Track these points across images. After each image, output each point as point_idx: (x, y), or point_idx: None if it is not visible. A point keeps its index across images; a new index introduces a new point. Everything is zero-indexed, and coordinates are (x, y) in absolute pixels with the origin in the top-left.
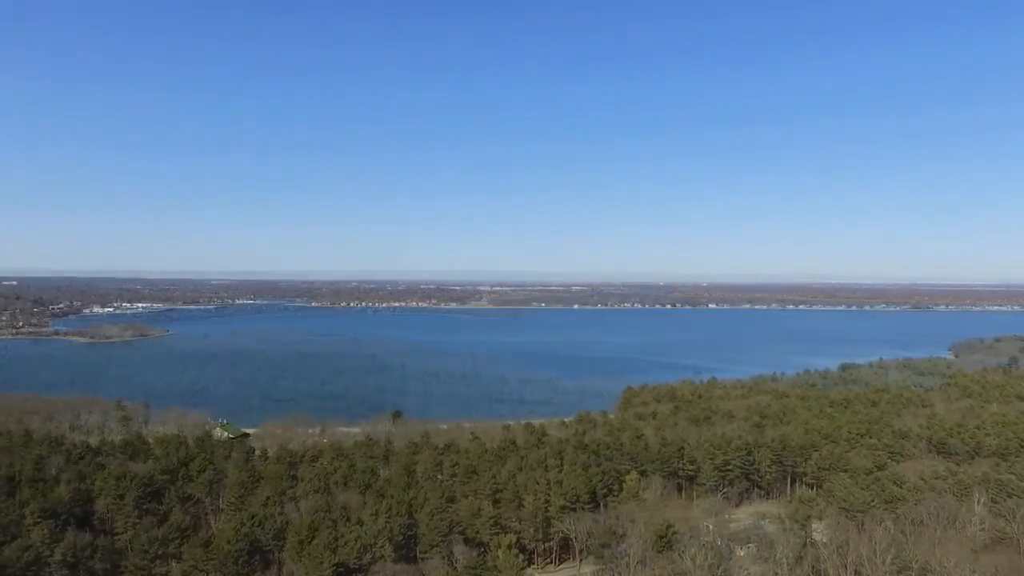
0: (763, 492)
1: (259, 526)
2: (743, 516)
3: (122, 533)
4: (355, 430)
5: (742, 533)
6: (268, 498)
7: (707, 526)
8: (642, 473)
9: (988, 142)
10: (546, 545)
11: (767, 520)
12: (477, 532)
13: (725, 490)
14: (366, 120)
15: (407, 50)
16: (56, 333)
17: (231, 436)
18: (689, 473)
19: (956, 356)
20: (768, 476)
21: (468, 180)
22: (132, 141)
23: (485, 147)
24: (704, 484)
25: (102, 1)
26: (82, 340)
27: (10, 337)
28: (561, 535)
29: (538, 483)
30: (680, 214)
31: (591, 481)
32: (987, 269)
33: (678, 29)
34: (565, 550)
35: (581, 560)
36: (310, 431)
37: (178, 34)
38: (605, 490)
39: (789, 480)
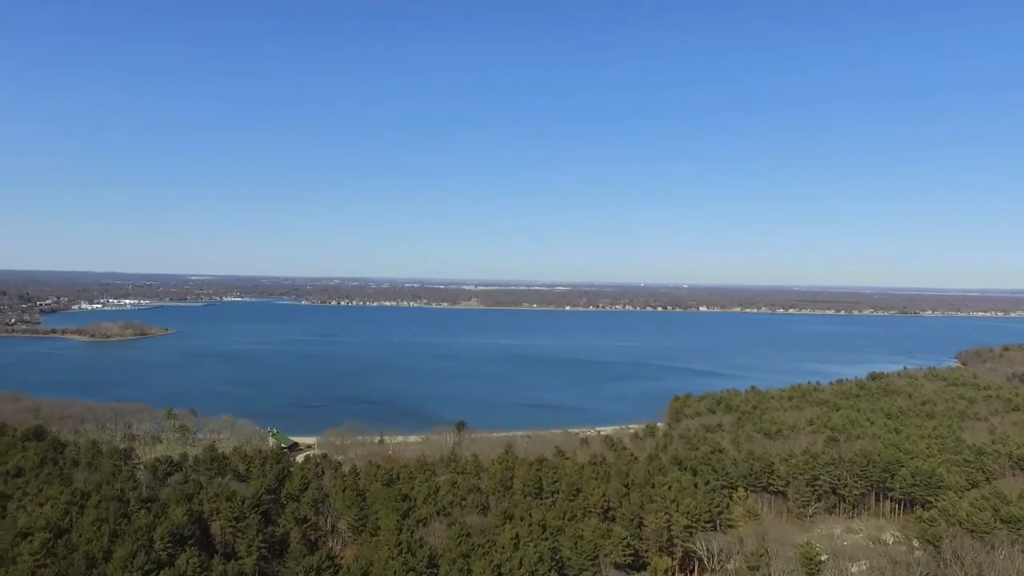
0: (849, 508)
1: (410, 553)
2: (839, 532)
3: (245, 557)
4: (414, 439)
5: (849, 550)
6: (399, 522)
7: (808, 541)
8: (745, 490)
9: (971, 151)
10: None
11: (861, 535)
12: (608, 554)
13: (816, 505)
14: (343, 120)
15: (391, 52)
16: (53, 331)
17: (284, 446)
18: (778, 488)
19: (963, 364)
20: (856, 491)
21: (445, 181)
22: (110, 136)
23: (463, 149)
24: (795, 500)
25: None
26: (82, 339)
27: (5, 334)
28: (682, 553)
29: (653, 501)
30: (657, 217)
31: (708, 499)
32: (965, 276)
33: (666, 32)
34: (681, 567)
35: None
36: (368, 439)
37: (168, 31)
38: (718, 508)
39: (874, 496)
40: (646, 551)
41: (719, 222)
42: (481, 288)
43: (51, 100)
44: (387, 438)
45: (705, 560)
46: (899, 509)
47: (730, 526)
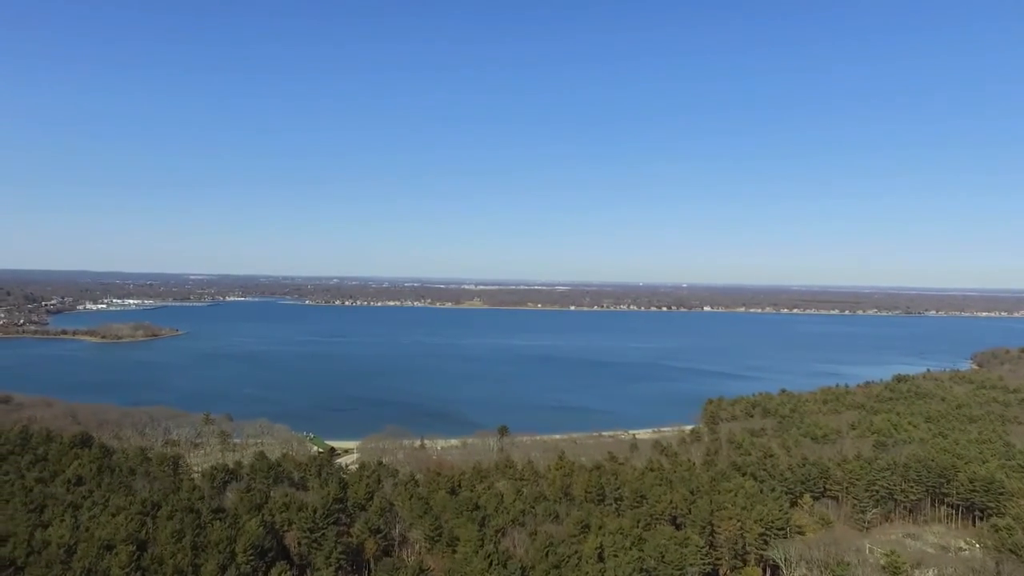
0: (905, 513)
1: (501, 566)
2: (901, 538)
3: (323, 569)
4: (454, 442)
5: (920, 557)
6: (480, 533)
7: (870, 547)
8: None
9: (972, 150)
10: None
11: (928, 542)
12: (692, 564)
13: (874, 511)
14: (341, 119)
15: (388, 50)
16: (63, 332)
17: (321, 451)
18: (834, 494)
19: (980, 366)
20: (912, 497)
21: (442, 180)
22: (109, 135)
23: (460, 148)
24: (853, 506)
25: None
26: (93, 340)
27: (16, 336)
28: (753, 561)
29: (722, 508)
30: (657, 216)
31: (778, 506)
32: (966, 276)
33: (667, 31)
34: None
35: None
36: (409, 444)
37: (167, 29)
38: (786, 515)
39: (930, 501)
40: (719, 559)
41: (719, 222)
42: (483, 288)
43: (51, 99)
44: (427, 442)
45: (783, 569)
46: (956, 515)
47: (799, 533)
